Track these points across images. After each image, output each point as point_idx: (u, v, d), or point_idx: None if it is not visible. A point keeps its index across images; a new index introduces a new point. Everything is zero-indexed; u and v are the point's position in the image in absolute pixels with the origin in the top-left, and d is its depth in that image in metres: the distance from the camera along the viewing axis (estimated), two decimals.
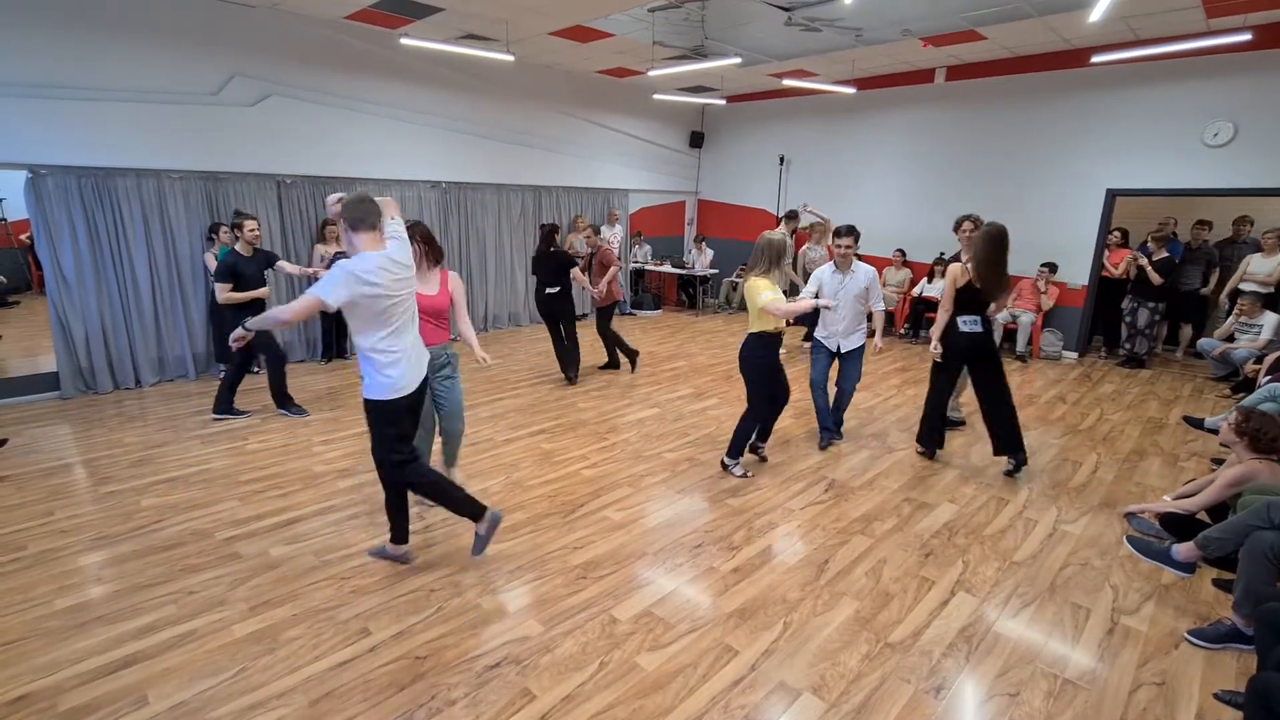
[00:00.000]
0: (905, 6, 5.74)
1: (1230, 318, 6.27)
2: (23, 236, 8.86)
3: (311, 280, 5.66)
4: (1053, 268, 7.33)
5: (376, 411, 2.76)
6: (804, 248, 7.55)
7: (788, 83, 8.00)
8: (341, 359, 6.89)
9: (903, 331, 8.43)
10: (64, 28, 5.06)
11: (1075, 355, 7.49)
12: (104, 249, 5.44)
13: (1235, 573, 2.70)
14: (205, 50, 5.73)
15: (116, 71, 5.33)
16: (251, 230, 4.74)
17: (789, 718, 2.20)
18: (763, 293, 3.72)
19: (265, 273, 4.95)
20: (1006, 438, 4.08)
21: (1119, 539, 3.41)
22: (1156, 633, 2.68)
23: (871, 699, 2.28)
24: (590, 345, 6.62)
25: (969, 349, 4.05)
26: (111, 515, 3.50)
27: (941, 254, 8.12)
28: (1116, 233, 7.20)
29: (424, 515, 3.54)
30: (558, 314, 5.98)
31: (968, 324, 4.01)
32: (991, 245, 3.83)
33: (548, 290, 5.82)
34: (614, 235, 9.48)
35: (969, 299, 4.00)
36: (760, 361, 3.95)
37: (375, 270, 2.57)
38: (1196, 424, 5.16)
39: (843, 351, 4.53)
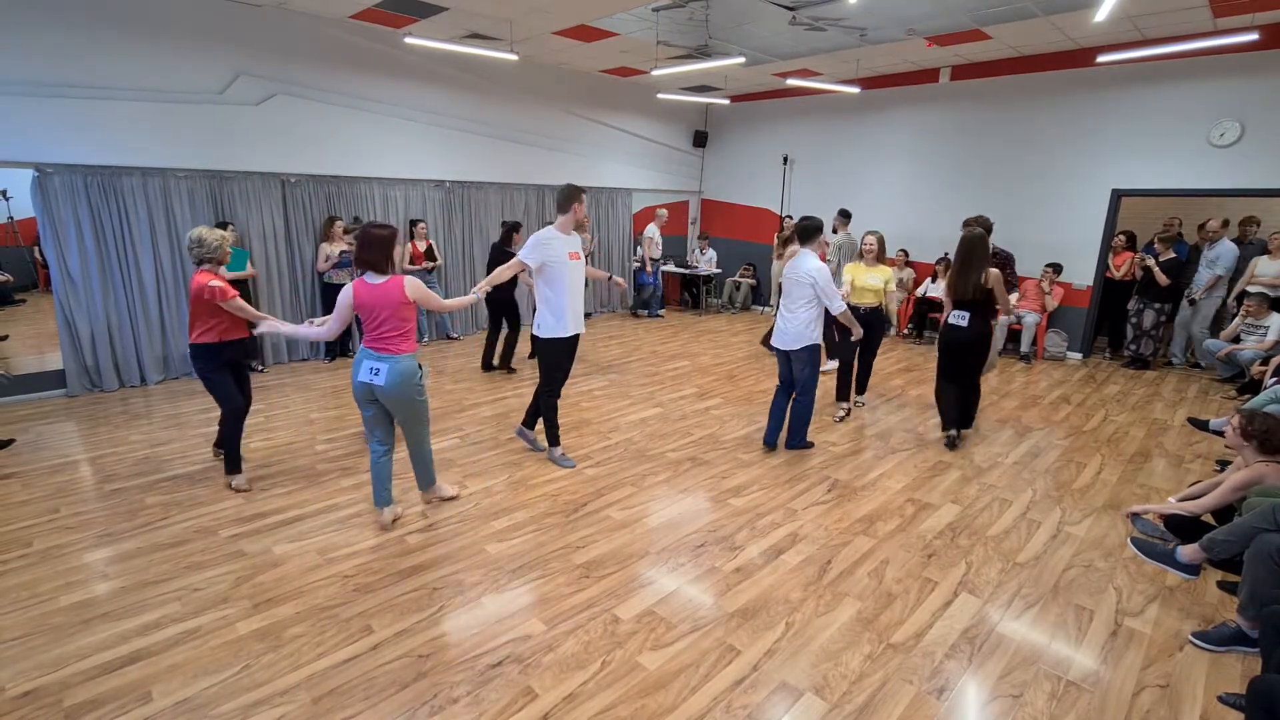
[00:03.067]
0: (910, 6, 5.72)
1: (1237, 319, 6.24)
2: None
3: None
4: (1058, 268, 7.31)
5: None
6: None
7: (792, 82, 7.99)
8: (345, 357, 6.91)
9: (906, 332, 8.42)
10: (70, 26, 5.08)
11: (1080, 356, 7.46)
12: (109, 248, 5.47)
13: (1240, 575, 2.69)
14: (211, 49, 5.75)
15: (123, 70, 5.35)
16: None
17: (791, 718, 2.20)
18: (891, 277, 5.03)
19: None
20: (951, 416, 4.71)
21: (1123, 541, 3.40)
22: (1160, 635, 2.67)
23: (874, 700, 2.28)
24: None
25: (948, 340, 4.60)
26: (116, 512, 3.51)
27: (945, 254, 8.10)
28: (1122, 235, 7.17)
29: (427, 514, 3.55)
30: (503, 305, 6.18)
31: (954, 318, 4.53)
32: (959, 250, 4.43)
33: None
34: (659, 237, 9.41)
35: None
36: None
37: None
38: (1202, 425, 5.14)
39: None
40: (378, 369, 3.12)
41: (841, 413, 5.25)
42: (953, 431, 4.68)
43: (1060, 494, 3.97)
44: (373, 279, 3.12)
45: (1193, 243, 7.18)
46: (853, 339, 4.72)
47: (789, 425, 4.55)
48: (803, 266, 4.19)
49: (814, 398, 4.48)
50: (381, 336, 3.13)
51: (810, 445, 4.63)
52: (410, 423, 3.35)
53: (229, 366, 3.73)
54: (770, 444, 4.56)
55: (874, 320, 5.12)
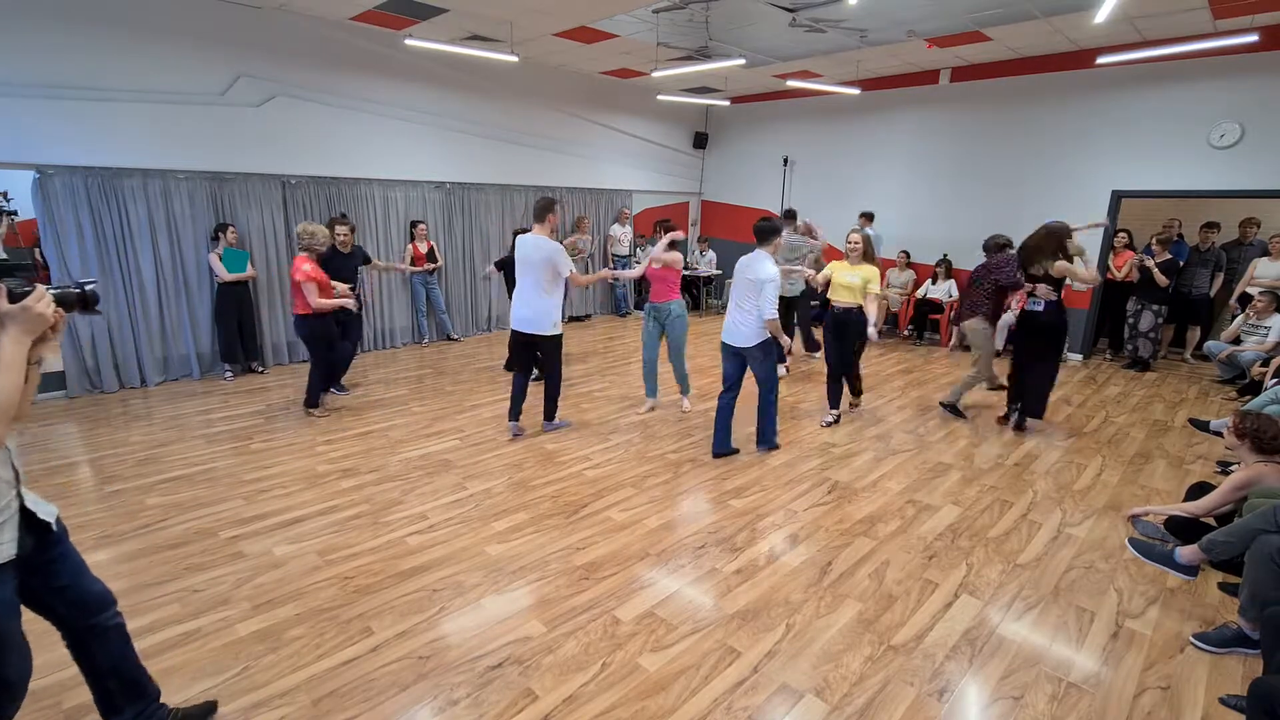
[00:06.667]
0: (910, 7, 5.73)
1: (1238, 319, 6.23)
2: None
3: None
4: None
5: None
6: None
7: (792, 84, 7.99)
8: None
9: (906, 333, 8.41)
10: (71, 28, 5.09)
11: (1080, 358, 7.46)
12: (110, 249, 5.47)
13: (1241, 577, 2.69)
14: (212, 51, 5.76)
15: (124, 72, 5.36)
16: (342, 235, 5.44)
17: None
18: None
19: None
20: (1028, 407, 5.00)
21: (1124, 542, 3.39)
22: (1161, 636, 2.67)
23: (874, 701, 2.28)
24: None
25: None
26: (116, 514, 3.51)
27: (945, 255, 8.11)
28: (1123, 234, 7.17)
29: (427, 515, 3.55)
30: None
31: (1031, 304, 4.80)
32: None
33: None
34: (624, 234, 9.48)
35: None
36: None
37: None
38: (1202, 426, 5.14)
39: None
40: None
41: (830, 418, 5.12)
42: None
43: (1061, 495, 3.97)
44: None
45: (1193, 244, 7.18)
46: (783, 348, 4.51)
47: (759, 426, 4.53)
48: (757, 269, 4.08)
49: (778, 393, 4.45)
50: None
51: (777, 446, 4.62)
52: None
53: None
54: (719, 452, 4.43)
55: (850, 321, 4.86)
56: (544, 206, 4.44)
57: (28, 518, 1.67)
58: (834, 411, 5.15)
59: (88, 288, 1.67)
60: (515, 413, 4.70)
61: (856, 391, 5.32)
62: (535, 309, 4.45)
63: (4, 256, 4.44)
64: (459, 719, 2.17)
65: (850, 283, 4.81)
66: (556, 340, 4.60)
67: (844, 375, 5.14)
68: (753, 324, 4.16)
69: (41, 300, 1.51)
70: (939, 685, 2.36)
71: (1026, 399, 4.95)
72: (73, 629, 1.85)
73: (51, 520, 1.74)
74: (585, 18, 6.06)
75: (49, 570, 1.75)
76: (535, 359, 4.75)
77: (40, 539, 1.71)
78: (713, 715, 2.20)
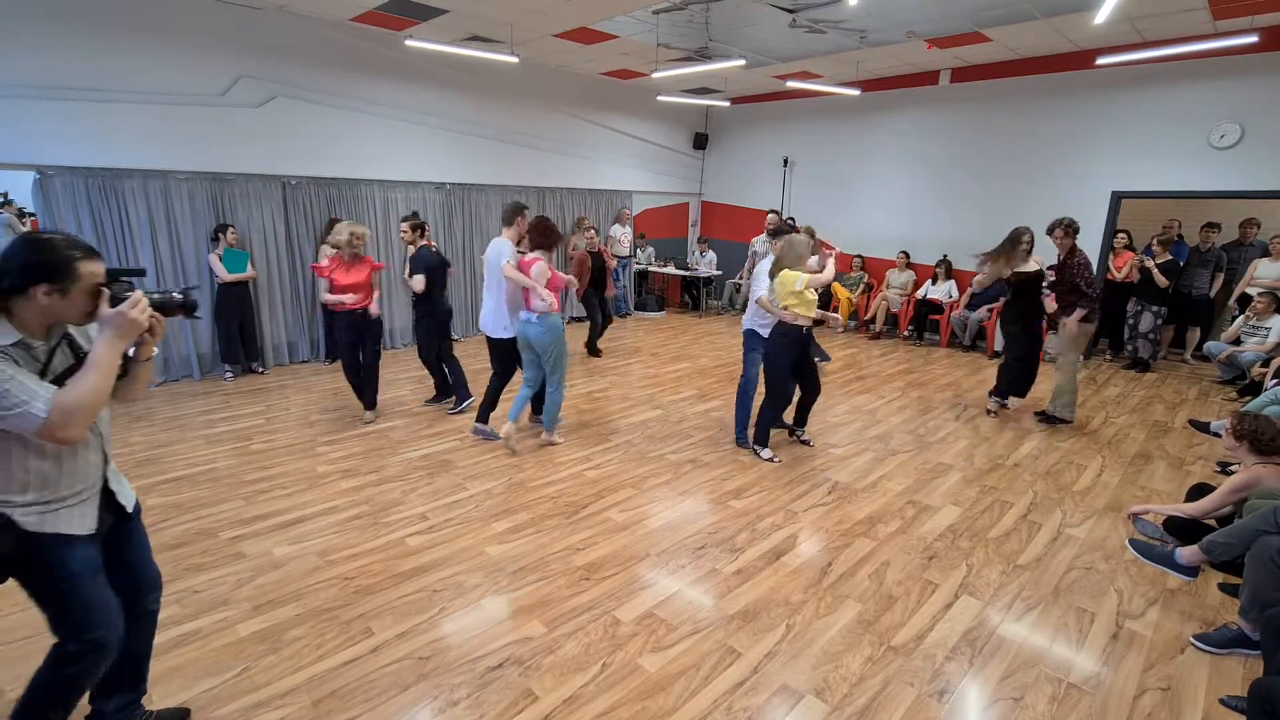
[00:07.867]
0: (910, 8, 5.73)
1: (1239, 320, 6.23)
2: None
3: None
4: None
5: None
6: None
7: (792, 84, 7.99)
8: None
9: (906, 333, 8.41)
10: (72, 30, 5.09)
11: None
12: (110, 249, 5.47)
13: (1242, 578, 2.69)
14: (212, 52, 5.76)
15: (124, 73, 5.36)
16: (402, 234, 5.18)
17: None
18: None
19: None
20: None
21: (1124, 543, 3.39)
22: (1162, 637, 2.67)
23: (874, 702, 2.28)
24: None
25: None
26: None
27: (944, 255, 8.11)
28: (1123, 234, 7.17)
29: (427, 516, 3.55)
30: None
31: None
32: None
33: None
34: (625, 235, 9.47)
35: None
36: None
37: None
38: (1202, 427, 5.14)
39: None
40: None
41: (770, 453, 4.41)
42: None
43: (1061, 496, 3.97)
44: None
45: (1193, 245, 7.18)
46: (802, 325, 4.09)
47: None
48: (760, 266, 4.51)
49: (746, 381, 4.61)
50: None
51: (746, 445, 4.56)
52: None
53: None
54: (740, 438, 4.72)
55: (810, 338, 4.32)
56: (512, 210, 4.40)
57: (108, 497, 1.80)
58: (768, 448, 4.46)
59: (190, 294, 1.79)
60: (484, 415, 4.63)
61: (805, 418, 4.67)
62: (489, 310, 4.53)
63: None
64: (459, 719, 2.17)
65: (810, 295, 4.07)
66: (500, 343, 4.49)
67: (806, 402, 4.55)
68: (750, 312, 4.57)
69: (137, 307, 1.59)
70: (939, 686, 2.36)
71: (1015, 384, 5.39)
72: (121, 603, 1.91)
73: (129, 505, 1.89)
74: (585, 19, 6.07)
75: (118, 544, 1.87)
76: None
77: (119, 516, 1.86)
78: (713, 716, 2.20)
